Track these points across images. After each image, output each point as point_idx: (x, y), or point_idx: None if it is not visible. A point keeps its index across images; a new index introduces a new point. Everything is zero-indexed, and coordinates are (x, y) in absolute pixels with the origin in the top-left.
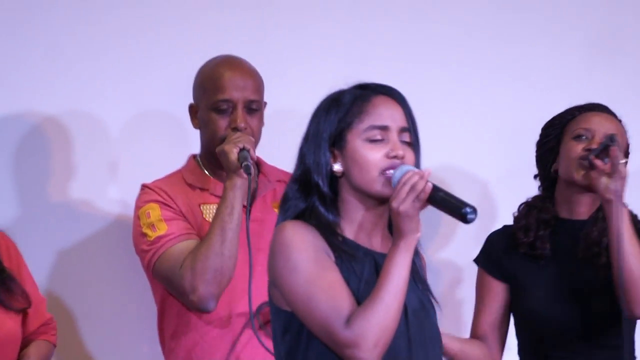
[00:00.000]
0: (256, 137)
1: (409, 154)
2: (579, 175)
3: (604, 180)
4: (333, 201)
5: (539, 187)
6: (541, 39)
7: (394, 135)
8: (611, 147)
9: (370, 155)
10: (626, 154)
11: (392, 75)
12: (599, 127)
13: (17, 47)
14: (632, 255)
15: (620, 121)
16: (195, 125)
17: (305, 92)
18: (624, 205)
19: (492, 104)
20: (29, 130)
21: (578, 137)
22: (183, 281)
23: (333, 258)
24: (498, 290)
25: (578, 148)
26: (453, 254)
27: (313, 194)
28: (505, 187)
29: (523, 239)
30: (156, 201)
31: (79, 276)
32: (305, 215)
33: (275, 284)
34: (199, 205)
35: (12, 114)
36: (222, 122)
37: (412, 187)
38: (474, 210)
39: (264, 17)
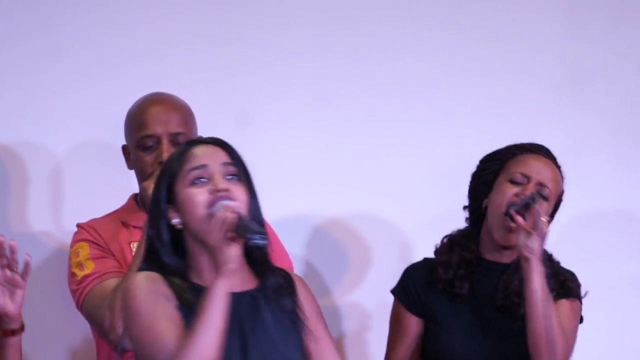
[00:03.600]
0: None
1: (237, 187)
2: (498, 235)
3: (522, 237)
4: (177, 253)
5: (466, 218)
6: (508, 77)
7: (215, 172)
8: (532, 206)
9: (195, 197)
10: (558, 202)
11: (349, 109)
12: (536, 174)
13: None
14: (543, 316)
15: (559, 167)
16: (130, 167)
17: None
18: (541, 264)
19: (458, 142)
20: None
21: (513, 181)
22: (103, 320)
23: (175, 303)
24: (412, 324)
25: (510, 192)
26: (364, 293)
27: (156, 253)
28: None
29: (442, 275)
30: (85, 240)
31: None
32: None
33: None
34: (129, 244)
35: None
36: (149, 158)
37: (222, 221)
38: (263, 237)
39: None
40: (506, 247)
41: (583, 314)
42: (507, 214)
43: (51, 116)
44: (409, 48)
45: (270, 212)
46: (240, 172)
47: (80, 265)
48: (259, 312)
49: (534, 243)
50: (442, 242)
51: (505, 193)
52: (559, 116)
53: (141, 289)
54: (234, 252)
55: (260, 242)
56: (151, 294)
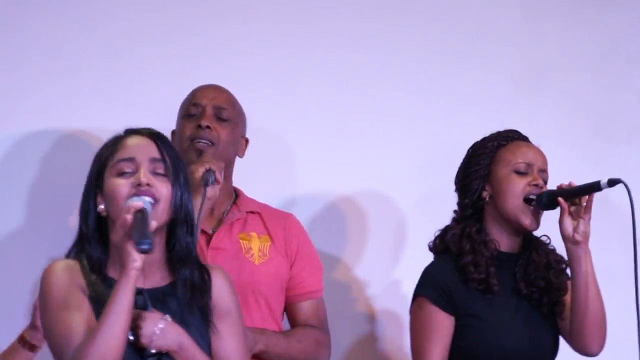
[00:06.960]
0: (222, 147)
1: (161, 184)
2: (526, 219)
3: (570, 222)
4: (98, 242)
5: (456, 210)
6: (467, 72)
7: (142, 166)
8: (590, 192)
9: (118, 188)
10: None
11: (319, 101)
12: (535, 161)
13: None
14: (598, 297)
15: None
16: None
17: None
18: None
19: (420, 134)
20: (55, 144)
21: (518, 172)
22: None
23: (88, 293)
24: (448, 324)
25: (521, 183)
26: (367, 271)
27: (83, 238)
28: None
29: (474, 275)
30: None
31: None
32: (77, 254)
33: None
34: None
35: (38, 129)
36: (190, 124)
37: (123, 220)
38: (145, 243)
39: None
40: (528, 230)
41: None
42: (540, 201)
43: (132, 103)
44: (371, 42)
45: (275, 195)
46: (169, 168)
47: None
48: (165, 309)
49: (587, 227)
50: (453, 238)
51: (517, 186)
52: (517, 108)
53: (56, 278)
54: (136, 252)
55: (143, 247)
56: (66, 285)
